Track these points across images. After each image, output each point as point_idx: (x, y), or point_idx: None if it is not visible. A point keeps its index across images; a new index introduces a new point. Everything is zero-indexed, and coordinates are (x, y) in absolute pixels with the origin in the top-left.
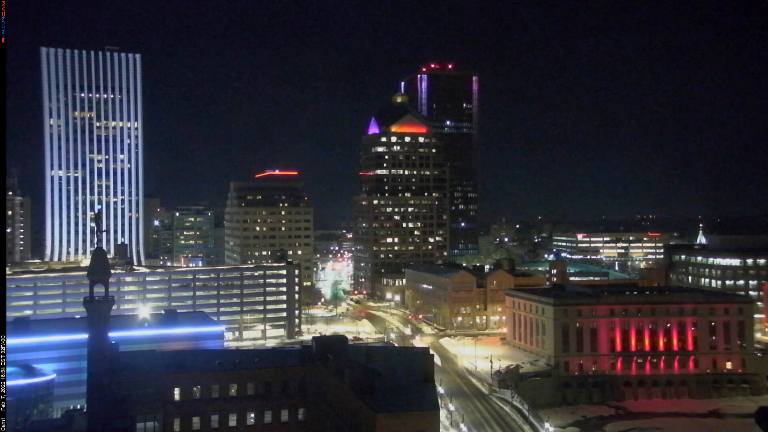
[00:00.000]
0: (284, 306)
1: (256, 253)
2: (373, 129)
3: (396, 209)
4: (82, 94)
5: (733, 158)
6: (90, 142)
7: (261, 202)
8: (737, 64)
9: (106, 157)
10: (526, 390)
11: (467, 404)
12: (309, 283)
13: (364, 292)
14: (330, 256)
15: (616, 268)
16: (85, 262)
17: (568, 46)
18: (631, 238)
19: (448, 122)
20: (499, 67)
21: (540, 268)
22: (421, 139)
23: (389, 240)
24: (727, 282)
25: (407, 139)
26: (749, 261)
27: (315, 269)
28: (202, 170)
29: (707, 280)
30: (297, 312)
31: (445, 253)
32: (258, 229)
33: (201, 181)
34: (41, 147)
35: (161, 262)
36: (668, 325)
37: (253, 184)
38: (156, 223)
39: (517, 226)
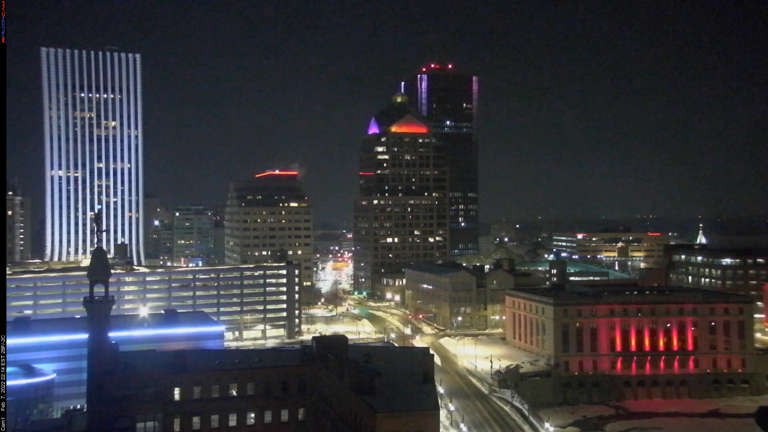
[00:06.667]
0: (284, 306)
1: (256, 253)
2: (373, 129)
3: (396, 209)
4: (82, 94)
5: (733, 158)
6: (90, 142)
7: (261, 202)
8: (738, 64)
9: (106, 156)
10: (526, 390)
11: (467, 404)
12: (309, 283)
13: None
14: (330, 256)
15: (616, 268)
16: (85, 262)
17: (569, 47)
18: (631, 238)
19: (448, 122)
20: (499, 67)
21: (540, 268)
22: (421, 139)
23: (389, 240)
24: (727, 282)
25: (407, 139)
26: (749, 261)
27: (315, 269)
28: (202, 170)
29: (707, 280)
30: (297, 312)
31: (445, 253)
32: (258, 229)
33: (201, 181)
34: (41, 147)
35: (161, 262)
36: (668, 325)
37: (253, 184)
38: (156, 223)
39: (517, 226)
